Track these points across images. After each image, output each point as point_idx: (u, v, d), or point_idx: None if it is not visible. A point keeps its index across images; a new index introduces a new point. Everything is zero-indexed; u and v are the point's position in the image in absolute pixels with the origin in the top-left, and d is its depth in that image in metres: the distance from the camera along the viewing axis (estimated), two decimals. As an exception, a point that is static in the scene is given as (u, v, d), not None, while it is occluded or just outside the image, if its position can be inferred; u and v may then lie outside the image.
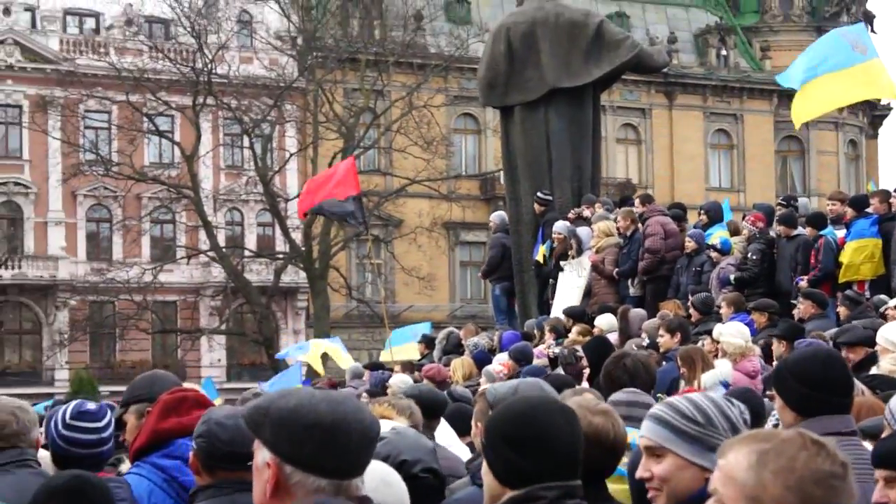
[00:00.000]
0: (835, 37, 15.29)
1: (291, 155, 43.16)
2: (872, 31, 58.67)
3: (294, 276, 45.05)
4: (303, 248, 40.55)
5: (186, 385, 5.53)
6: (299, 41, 43.09)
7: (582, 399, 4.01)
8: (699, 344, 10.69)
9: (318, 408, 2.84)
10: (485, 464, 3.41)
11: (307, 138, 42.79)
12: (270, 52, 43.23)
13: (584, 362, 10.39)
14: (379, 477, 3.77)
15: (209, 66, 39.64)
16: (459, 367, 13.53)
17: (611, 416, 3.94)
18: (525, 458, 3.23)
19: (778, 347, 9.56)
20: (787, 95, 55.79)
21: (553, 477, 3.21)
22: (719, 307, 13.00)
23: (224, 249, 42.39)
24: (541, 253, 17.35)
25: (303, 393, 2.91)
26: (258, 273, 44.90)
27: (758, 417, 5.65)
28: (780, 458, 2.57)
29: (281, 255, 43.90)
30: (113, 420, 5.00)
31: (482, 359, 13.99)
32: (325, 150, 40.74)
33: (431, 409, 6.27)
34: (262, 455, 2.86)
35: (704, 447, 3.38)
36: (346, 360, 21.24)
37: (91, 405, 4.98)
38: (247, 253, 44.88)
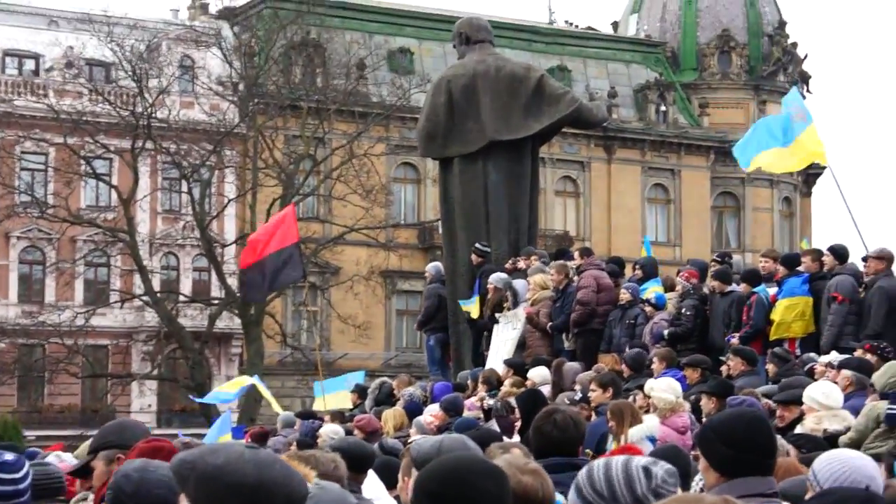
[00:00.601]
0: (781, 114, 15.99)
1: (230, 200, 43.02)
2: (808, 90, 59.63)
3: (229, 321, 44.74)
4: (238, 295, 40.28)
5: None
6: (241, 87, 43.04)
7: (511, 457, 4.00)
8: (630, 399, 10.73)
9: (244, 468, 2.81)
10: None
11: (246, 184, 42.68)
12: (211, 98, 43.15)
13: (517, 414, 10.39)
14: None
15: (149, 110, 39.48)
16: (391, 417, 13.50)
17: (540, 476, 3.93)
18: None
19: (707, 404, 9.61)
20: (723, 152, 56.50)
21: None
22: (651, 363, 13.06)
23: (159, 294, 42.03)
24: (473, 308, 17.37)
25: (233, 451, 2.88)
26: (192, 318, 44.51)
27: (685, 476, 5.65)
28: None
29: (216, 301, 43.60)
30: (30, 472, 4.91)
31: (414, 409, 13.94)
32: (264, 197, 40.62)
33: (359, 463, 6.22)
34: None
35: None
36: (271, 400, 21.14)
37: (9, 456, 4.90)
38: (182, 298, 44.53)
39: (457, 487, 3.22)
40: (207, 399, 23.80)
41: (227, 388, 22.95)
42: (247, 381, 22.04)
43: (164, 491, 3.56)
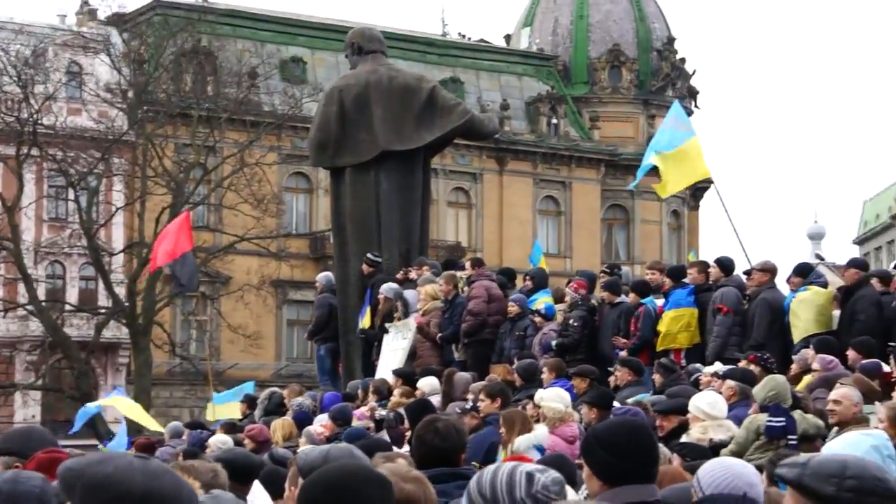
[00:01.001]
0: (664, 127, 16.56)
1: (118, 209, 42.41)
2: (696, 106, 60.62)
3: (116, 331, 44.14)
4: (126, 304, 39.79)
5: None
6: (130, 94, 42.43)
7: (394, 466, 4.01)
8: (520, 409, 10.79)
9: (132, 478, 2.78)
10: None
11: (135, 192, 42.12)
12: (100, 105, 42.51)
13: (407, 424, 10.41)
14: None
15: (35, 116, 38.78)
16: (279, 427, 13.45)
17: (422, 484, 3.95)
18: None
19: (588, 414, 9.70)
20: (613, 165, 57.28)
21: None
22: (542, 373, 13.15)
23: (44, 303, 41.27)
24: (365, 320, 17.37)
25: (122, 461, 2.84)
26: (78, 328, 43.80)
27: (571, 484, 5.70)
28: None
29: (103, 310, 42.95)
30: None
31: (303, 419, 13.90)
32: (153, 205, 40.14)
33: (244, 473, 6.18)
34: None
35: None
36: (142, 417, 20.93)
37: None
38: (67, 307, 43.78)
39: (341, 496, 3.22)
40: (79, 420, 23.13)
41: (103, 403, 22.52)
42: (119, 402, 21.77)
43: (33, 503, 3.50)
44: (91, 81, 43.40)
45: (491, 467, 3.67)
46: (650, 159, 16.88)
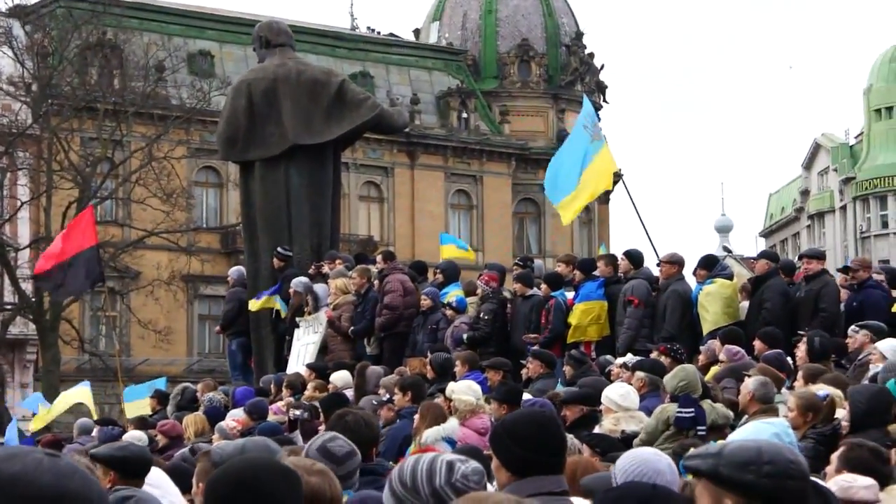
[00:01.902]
0: (576, 131, 16.59)
1: (23, 203, 41.70)
2: (605, 100, 61.10)
3: (23, 327, 43.46)
4: (33, 299, 39.19)
5: None
6: (34, 88, 41.74)
7: (298, 459, 4.00)
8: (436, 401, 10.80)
9: (41, 479, 2.67)
10: None
11: (40, 186, 41.44)
12: (3, 98, 41.74)
13: (322, 419, 10.37)
14: None
15: (-64, 109, 38.05)
16: (192, 423, 13.35)
17: (327, 476, 3.94)
18: None
19: (498, 410, 9.73)
20: (524, 159, 57.56)
21: None
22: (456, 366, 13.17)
23: (-52, 299, 40.54)
24: (260, 303, 17.30)
25: (31, 458, 2.73)
26: (-16, 325, 43.06)
27: (486, 476, 5.73)
28: None
29: (9, 306, 42.26)
30: None
31: (215, 414, 13.81)
32: (60, 199, 39.57)
33: (140, 469, 6.09)
34: None
35: None
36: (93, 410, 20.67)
37: None
38: (-27, 304, 43.02)
39: (248, 489, 3.20)
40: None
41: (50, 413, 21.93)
42: (76, 395, 21.41)
43: None
44: (-7, 74, 42.64)
45: (413, 456, 3.69)
46: (564, 200, 16.78)
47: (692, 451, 3.40)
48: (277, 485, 3.24)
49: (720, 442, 3.31)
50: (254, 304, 17.50)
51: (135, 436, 12.38)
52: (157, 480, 6.36)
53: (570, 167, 16.62)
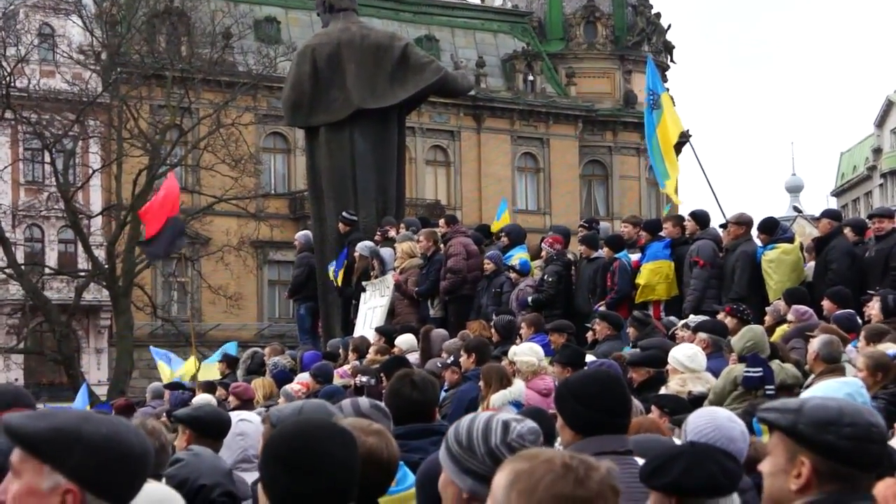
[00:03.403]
0: (647, 110, 16.78)
1: (94, 171, 42.15)
2: (672, 61, 60.56)
3: (97, 293, 44.03)
4: (106, 266, 39.64)
5: None
6: (103, 56, 42.07)
7: (355, 420, 4.00)
8: (501, 363, 10.80)
9: (129, 439, 2.75)
10: (261, 484, 3.38)
11: (111, 154, 41.83)
12: (73, 67, 42.13)
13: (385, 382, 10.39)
14: (158, 498, 3.72)
15: (8, 79, 38.43)
16: (260, 386, 13.49)
17: (384, 437, 3.95)
18: (298, 480, 3.21)
19: (561, 373, 9.69)
20: (590, 121, 57.27)
21: (327, 499, 3.19)
22: (521, 328, 13.15)
23: (23, 267, 41.10)
24: (339, 277, 17.38)
25: (107, 420, 2.80)
26: (59, 291, 43.67)
27: (549, 436, 5.72)
28: (528, 480, 2.59)
29: (83, 273, 42.81)
30: None
31: (282, 378, 13.93)
32: (130, 167, 39.93)
33: (216, 429, 6.19)
34: (50, 481, 2.71)
35: (461, 468, 3.43)
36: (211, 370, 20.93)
37: None
38: (47, 270, 43.62)
39: (303, 449, 3.22)
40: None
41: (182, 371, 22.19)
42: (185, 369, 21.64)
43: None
44: (63, 43, 43.04)
45: (469, 416, 3.68)
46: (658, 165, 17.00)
47: (769, 403, 3.32)
48: (332, 445, 3.25)
49: (800, 397, 3.24)
50: (338, 279, 17.47)
51: (203, 398, 12.52)
52: (254, 431, 6.39)
53: (652, 151, 16.85)
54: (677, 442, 5.29)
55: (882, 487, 3.59)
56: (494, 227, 18.00)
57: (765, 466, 3.21)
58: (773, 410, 3.22)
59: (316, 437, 3.25)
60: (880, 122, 74.40)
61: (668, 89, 57.46)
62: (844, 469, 3.08)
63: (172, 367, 21.33)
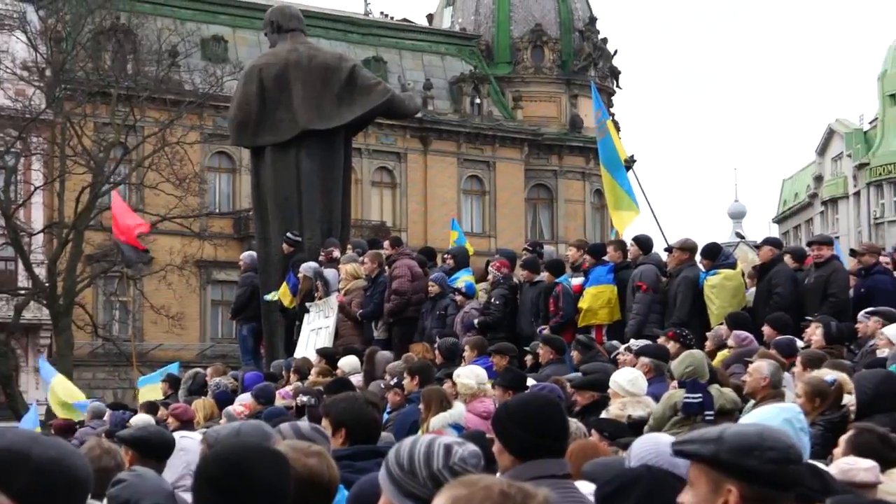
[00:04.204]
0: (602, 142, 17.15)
1: (36, 188, 41.74)
2: (618, 86, 60.98)
3: (37, 312, 43.58)
4: (47, 284, 39.27)
5: None
6: (47, 72, 41.73)
7: (294, 443, 4.00)
8: (444, 386, 10.81)
9: (76, 462, 2.72)
10: None
11: (54, 172, 41.47)
12: (17, 83, 41.69)
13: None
14: None
15: (-50, 94, 38.05)
16: (201, 407, 13.42)
17: (325, 458, 3.95)
18: (229, 502, 3.20)
19: (502, 396, 9.71)
20: (536, 145, 57.48)
21: None
22: (464, 351, 13.17)
23: (-38, 284, 40.61)
24: (277, 295, 17.35)
25: (55, 443, 2.76)
26: (-2, 309, 43.25)
27: (489, 460, 5.73)
28: None
29: (23, 291, 42.36)
30: None
31: (224, 399, 13.85)
32: (73, 185, 39.61)
33: (160, 450, 6.17)
34: None
35: (402, 492, 3.43)
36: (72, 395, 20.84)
37: None
38: (-14, 288, 43.13)
39: (234, 472, 3.21)
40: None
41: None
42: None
43: None
44: (7, 59, 42.58)
45: (409, 439, 3.67)
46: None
47: (686, 435, 3.35)
48: (264, 468, 3.24)
49: (716, 427, 3.27)
50: (282, 297, 17.46)
51: (142, 419, 12.43)
52: (172, 462, 6.40)
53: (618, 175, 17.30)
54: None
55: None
56: (453, 236, 18.11)
57: (686, 498, 3.22)
58: (692, 442, 3.24)
59: (247, 460, 3.24)
60: (822, 151, 75.28)
61: (613, 114, 57.97)
62: (770, 492, 3.12)
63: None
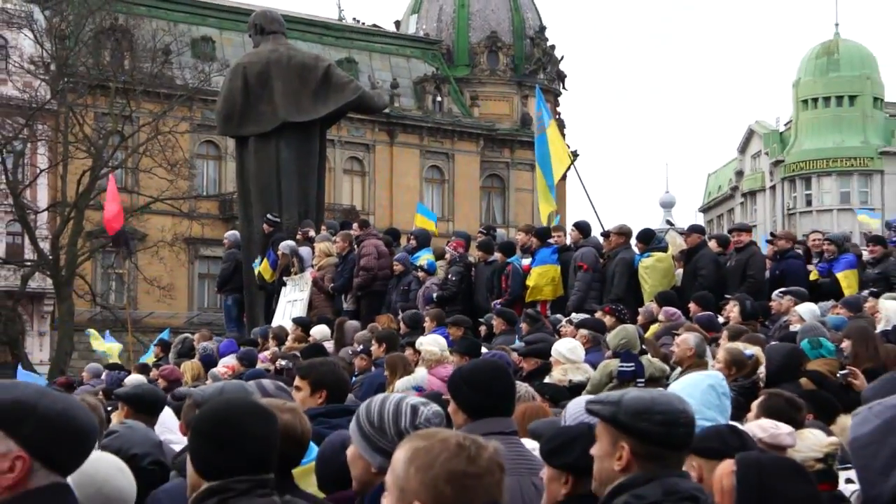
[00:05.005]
0: (539, 139, 17.16)
1: (42, 171, 41.39)
2: (564, 88, 61.03)
3: (41, 282, 43.24)
4: (50, 257, 38.97)
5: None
6: (52, 67, 41.29)
7: (271, 400, 4.00)
8: (405, 353, 10.82)
9: (80, 415, 2.72)
10: (189, 456, 3.37)
11: (57, 156, 41.10)
12: (24, 76, 41.30)
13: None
14: (115, 466, 3.73)
15: (-37, 85, 37.58)
16: (189, 368, 13.37)
17: (297, 414, 3.95)
18: (220, 453, 3.20)
19: (459, 361, 9.73)
20: (491, 139, 57.49)
21: (246, 471, 3.19)
22: (425, 321, 13.18)
23: (-28, 256, 40.21)
24: (259, 269, 17.31)
25: (62, 397, 2.76)
26: (6, 279, 42.88)
27: (449, 419, 5.74)
28: (425, 457, 2.60)
29: (29, 263, 42.02)
30: None
31: (209, 362, 13.82)
32: (75, 168, 39.32)
33: (151, 406, 6.16)
34: (3, 446, 2.67)
35: (372, 447, 3.44)
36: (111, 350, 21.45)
37: None
38: (-5, 259, 42.74)
39: (225, 426, 3.21)
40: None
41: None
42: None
43: None
44: (15, 54, 42.16)
45: (379, 397, 3.68)
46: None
47: (596, 396, 3.41)
48: (252, 422, 3.25)
49: (619, 391, 3.33)
50: (263, 272, 17.40)
51: (136, 379, 12.37)
52: (162, 418, 6.40)
53: (546, 170, 17.26)
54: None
55: (720, 468, 3.69)
56: (419, 219, 18.18)
57: (595, 451, 3.31)
58: (598, 403, 3.32)
59: (237, 416, 3.24)
60: (743, 149, 75.71)
61: (559, 114, 58.03)
62: (657, 450, 3.19)
63: (105, 340, 22.06)
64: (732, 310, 11.06)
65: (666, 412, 3.21)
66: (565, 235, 14.78)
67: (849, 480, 4.82)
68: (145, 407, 6.10)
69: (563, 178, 59.79)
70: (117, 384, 13.32)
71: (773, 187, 70.65)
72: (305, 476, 4.01)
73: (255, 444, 3.21)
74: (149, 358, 18.18)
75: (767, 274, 13.01)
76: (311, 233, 17.30)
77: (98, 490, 3.56)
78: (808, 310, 10.25)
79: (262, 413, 3.29)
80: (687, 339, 9.08)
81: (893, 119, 68.54)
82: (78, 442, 2.71)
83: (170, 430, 6.40)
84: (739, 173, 75.63)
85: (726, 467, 3.61)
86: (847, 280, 12.56)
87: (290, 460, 3.77)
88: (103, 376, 15.72)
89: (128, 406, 6.18)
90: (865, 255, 13.07)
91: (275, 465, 3.28)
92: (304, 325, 14.56)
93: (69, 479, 2.78)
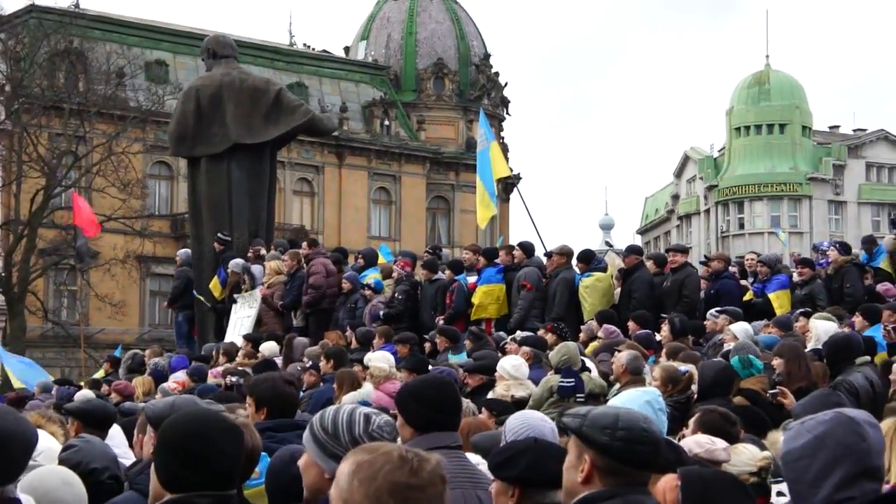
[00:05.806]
0: (481, 154, 17.42)
1: (-5, 189, 40.86)
2: (507, 113, 61.31)
3: (-7, 298, 42.56)
4: (2, 274, 38.40)
5: None
6: (7, 88, 40.80)
7: (225, 413, 3.95)
8: (354, 368, 10.77)
9: (7, 424, 2.68)
10: (153, 468, 3.32)
11: (12, 175, 40.58)
12: (-21, 97, 40.80)
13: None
14: (60, 478, 3.66)
15: (-81, 104, 36.99)
16: (140, 384, 13.22)
17: (249, 428, 3.91)
18: (187, 466, 3.15)
19: (407, 378, 9.71)
20: (437, 162, 57.59)
21: (211, 486, 3.13)
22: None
23: (-75, 273, 39.49)
24: (214, 287, 17.19)
25: (2, 409, 2.73)
26: (-43, 295, 42.09)
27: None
28: (368, 469, 2.58)
29: (-20, 280, 41.32)
30: None
31: (159, 377, 13.68)
32: (29, 187, 38.88)
33: (101, 421, 6.07)
34: None
35: (326, 453, 3.42)
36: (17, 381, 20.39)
37: None
38: (-52, 276, 41.95)
39: (193, 441, 3.16)
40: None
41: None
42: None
43: None
44: (-30, 75, 41.64)
45: (332, 407, 3.66)
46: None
47: (570, 410, 3.42)
48: (219, 439, 3.21)
49: (589, 406, 3.34)
50: (213, 288, 17.24)
51: (86, 394, 12.21)
52: (112, 432, 6.32)
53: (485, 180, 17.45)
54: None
55: (662, 482, 3.69)
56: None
57: (565, 462, 3.32)
58: (568, 416, 3.34)
59: (205, 431, 3.20)
60: (678, 173, 76.46)
61: (503, 138, 58.27)
62: (618, 466, 3.19)
63: (22, 378, 20.51)
64: (664, 329, 11.16)
65: (628, 429, 3.21)
66: (511, 256, 14.80)
67: (780, 493, 4.85)
68: (95, 421, 6.01)
69: (506, 200, 60.15)
70: (67, 399, 13.13)
71: (707, 211, 71.39)
72: (259, 498, 3.97)
73: (223, 460, 3.17)
74: (99, 373, 17.97)
75: (703, 294, 13.12)
76: (263, 251, 17.22)
77: (38, 502, 3.50)
78: (741, 328, 10.35)
79: (230, 429, 3.24)
80: (620, 358, 9.15)
81: (821, 147, 69.62)
82: (11, 454, 2.67)
83: (117, 445, 6.31)
84: (675, 197, 76.34)
85: (670, 481, 3.62)
86: (779, 300, 12.71)
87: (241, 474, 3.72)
88: (53, 391, 15.49)
89: (78, 421, 6.09)
90: (795, 277, 13.23)
91: (238, 482, 3.24)
92: (253, 341, 14.46)
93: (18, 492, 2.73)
